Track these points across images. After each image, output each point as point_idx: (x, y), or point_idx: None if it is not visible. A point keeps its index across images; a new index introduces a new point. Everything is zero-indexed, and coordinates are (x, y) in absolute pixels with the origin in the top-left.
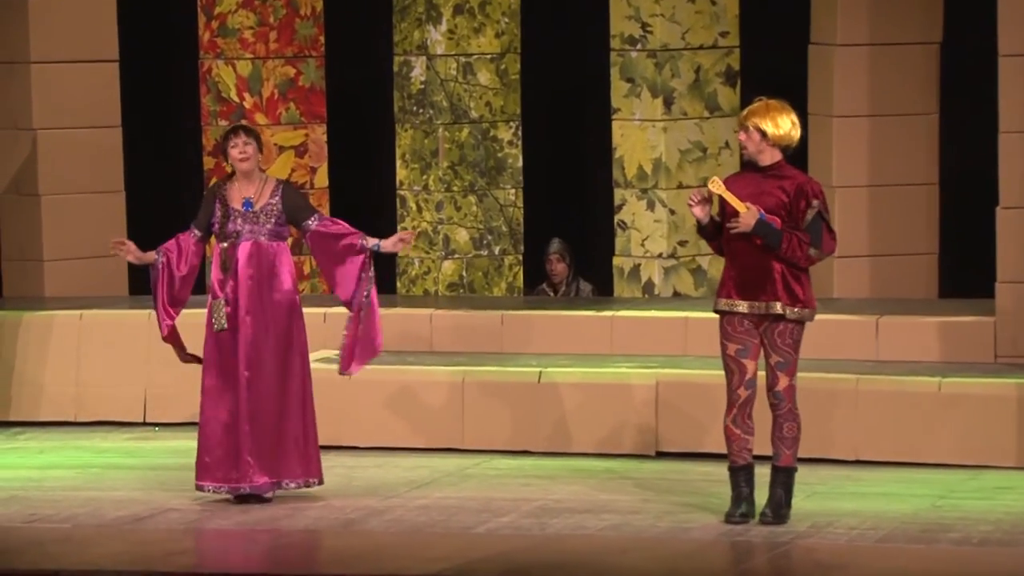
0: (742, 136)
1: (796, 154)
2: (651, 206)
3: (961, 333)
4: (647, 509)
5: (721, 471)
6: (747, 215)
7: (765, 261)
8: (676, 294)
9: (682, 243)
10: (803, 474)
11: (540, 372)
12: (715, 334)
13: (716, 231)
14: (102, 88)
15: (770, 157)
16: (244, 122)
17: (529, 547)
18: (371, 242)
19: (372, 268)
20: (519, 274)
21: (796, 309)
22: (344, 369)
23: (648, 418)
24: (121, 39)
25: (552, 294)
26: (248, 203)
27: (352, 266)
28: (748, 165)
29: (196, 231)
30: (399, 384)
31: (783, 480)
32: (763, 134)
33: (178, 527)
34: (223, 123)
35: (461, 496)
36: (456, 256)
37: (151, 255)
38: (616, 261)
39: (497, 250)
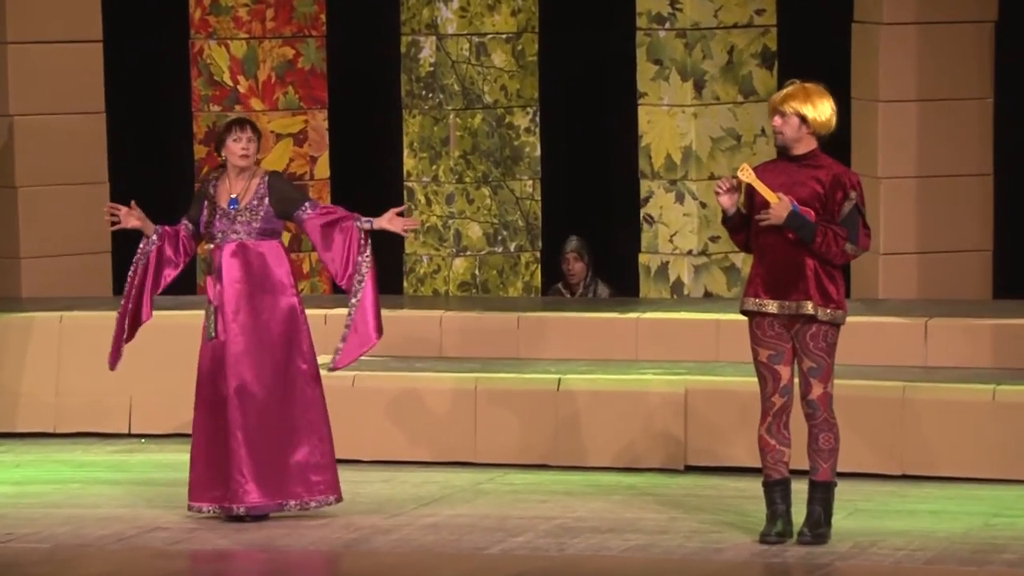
0: (777, 121)
1: (839, 143)
2: (680, 199)
3: (1017, 337)
4: (675, 528)
5: (755, 486)
6: (779, 206)
7: (797, 257)
8: (707, 294)
9: (714, 239)
10: (844, 490)
11: (559, 379)
12: (749, 338)
13: (743, 223)
14: (84, 71)
15: (806, 145)
16: (236, 109)
17: (547, 569)
18: (364, 221)
19: (369, 250)
20: (536, 273)
21: (828, 310)
22: (333, 364)
23: (676, 429)
24: (105, 18)
25: (568, 295)
26: (234, 201)
27: (348, 251)
28: (780, 153)
29: (188, 224)
30: (406, 392)
31: (821, 496)
32: (803, 119)
33: (167, 547)
34: (215, 108)
35: (474, 514)
36: (468, 253)
37: (150, 226)
38: (642, 259)
39: (513, 246)
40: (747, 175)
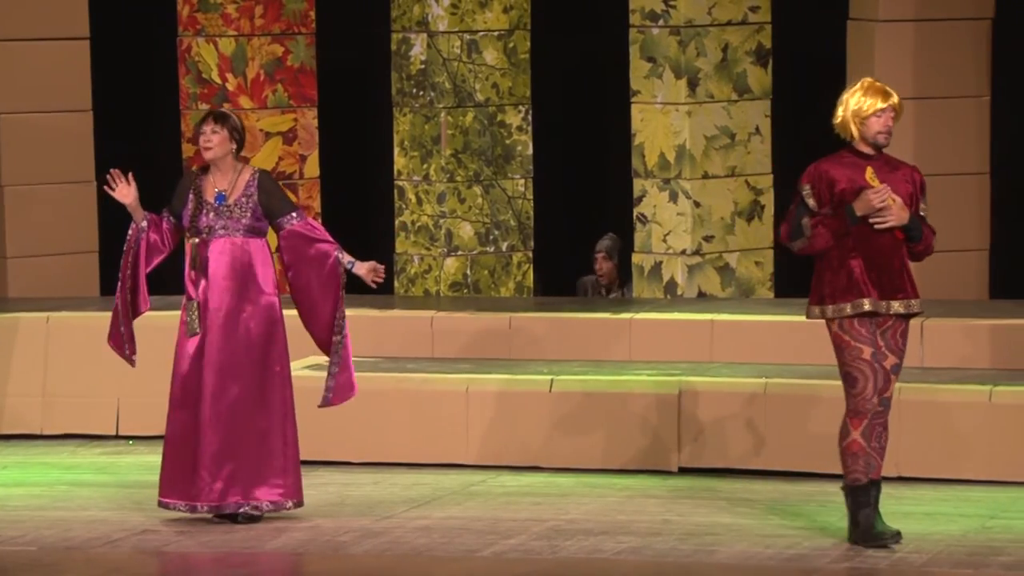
0: (888, 121)
1: (835, 141)
2: (674, 198)
3: (1014, 337)
4: (668, 530)
5: (750, 488)
6: (898, 207)
7: (899, 256)
8: (701, 294)
9: (708, 239)
10: (838, 493)
11: (552, 380)
12: (743, 339)
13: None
14: (71, 68)
15: None
16: (224, 107)
17: (540, 572)
18: (346, 259)
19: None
20: (528, 273)
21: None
22: (326, 402)
23: (670, 430)
24: (92, 14)
25: (604, 293)
26: (221, 197)
27: (332, 287)
28: (866, 153)
29: (170, 217)
30: (397, 393)
31: (877, 494)
32: (895, 117)
33: (155, 550)
34: (204, 107)
35: (465, 516)
36: (460, 253)
37: (141, 212)
38: (635, 258)
39: (505, 246)
40: (875, 179)
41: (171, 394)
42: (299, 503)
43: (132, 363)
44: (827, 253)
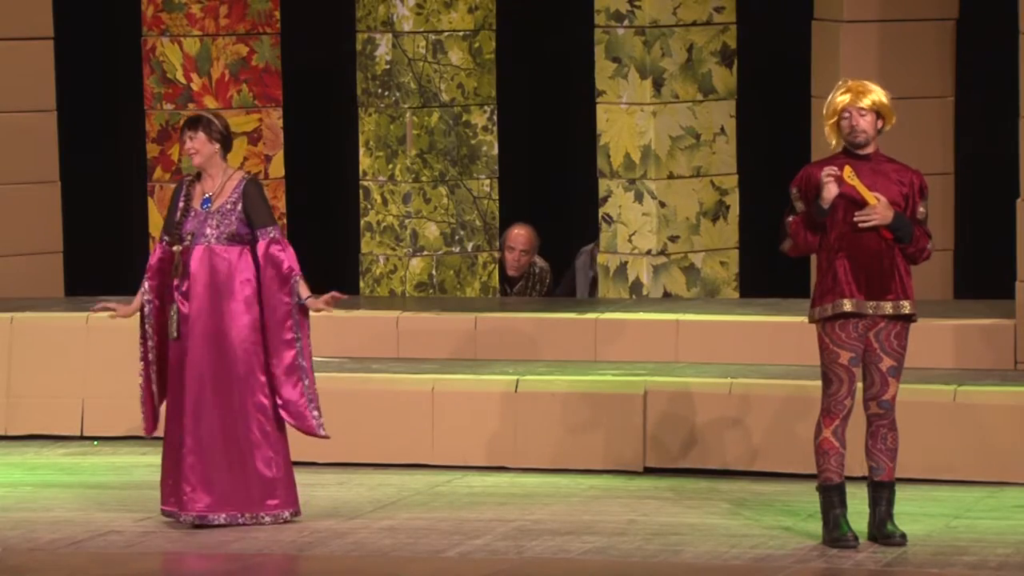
0: (858, 121)
1: (800, 141)
2: (639, 198)
3: (978, 337)
4: (634, 530)
5: (715, 488)
6: (882, 206)
7: (890, 257)
8: (666, 295)
9: (673, 239)
10: (803, 493)
11: (517, 380)
12: (708, 339)
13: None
14: (35, 68)
15: (875, 143)
16: (204, 111)
17: (505, 572)
18: (304, 293)
19: (298, 330)
20: (494, 273)
21: (914, 309)
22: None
23: (635, 431)
24: (56, 14)
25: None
26: (206, 201)
27: (285, 312)
28: (849, 152)
29: (166, 237)
30: (362, 394)
31: (889, 496)
32: (878, 114)
33: (119, 551)
34: (168, 107)
35: (431, 517)
36: (425, 253)
37: (138, 301)
38: (601, 259)
39: (470, 246)
40: (853, 177)
41: (167, 402)
42: (295, 512)
43: (148, 433)
44: (818, 256)
